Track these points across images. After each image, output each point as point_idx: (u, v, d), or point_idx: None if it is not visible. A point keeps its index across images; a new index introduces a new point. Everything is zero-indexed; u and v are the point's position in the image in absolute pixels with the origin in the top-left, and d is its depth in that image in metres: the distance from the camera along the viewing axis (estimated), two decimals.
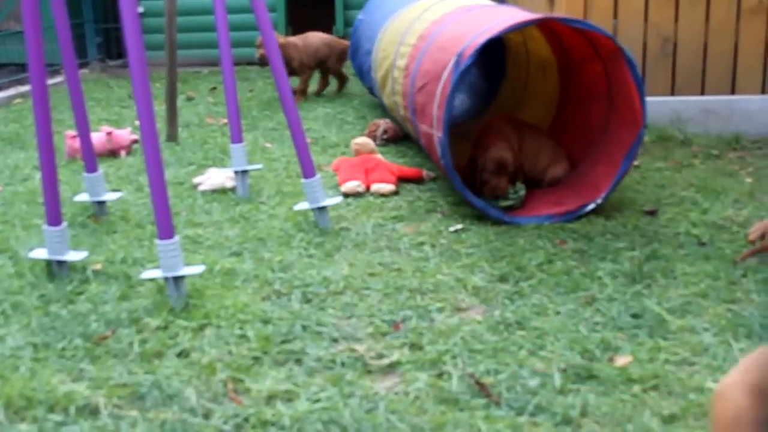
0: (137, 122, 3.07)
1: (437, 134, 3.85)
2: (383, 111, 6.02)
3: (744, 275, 3.14)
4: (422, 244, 3.55)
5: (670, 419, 2.22)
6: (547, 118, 4.69)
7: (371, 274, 3.23)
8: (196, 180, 4.52)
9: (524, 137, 4.27)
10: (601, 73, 4.08)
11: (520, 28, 3.94)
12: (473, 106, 5.68)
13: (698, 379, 2.41)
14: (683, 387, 2.37)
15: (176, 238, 2.97)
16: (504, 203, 3.98)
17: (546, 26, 4.39)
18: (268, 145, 5.29)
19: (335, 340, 2.70)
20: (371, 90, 6.25)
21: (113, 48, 9.08)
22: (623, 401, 2.31)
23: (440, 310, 2.91)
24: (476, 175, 4.08)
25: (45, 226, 3.27)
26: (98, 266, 3.32)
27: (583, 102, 4.38)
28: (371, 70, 5.71)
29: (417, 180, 4.48)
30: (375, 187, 4.27)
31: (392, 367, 2.53)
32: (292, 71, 6.58)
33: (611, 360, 2.52)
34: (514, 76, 5.39)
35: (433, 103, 3.89)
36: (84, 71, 8.55)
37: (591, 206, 3.83)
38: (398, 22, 5.18)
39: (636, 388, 2.37)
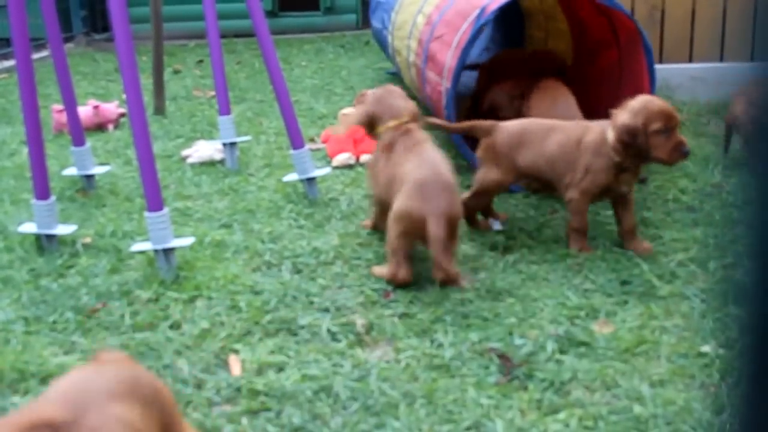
0: (124, 96, 3.05)
1: (445, 84, 3.85)
2: (371, 81, 6.00)
3: (734, 241, 3.16)
4: None
5: (659, 383, 2.24)
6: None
7: (361, 244, 3.24)
8: (184, 153, 4.50)
9: None
10: (614, 63, 4.04)
11: None
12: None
13: (687, 344, 2.43)
14: (672, 352, 2.39)
15: (165, 210, 2.97)
16: None
17: (568, 12, 4.35)
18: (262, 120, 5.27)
19: (326, 310, 2.71)
20: (377, 32, 6.10)
21: (99, 21, 8.98)
22: (612, 366, 2.33)
23: (431, 278, 2.92)
24: None
25: (33, 201, 3.26)
26: (88, 240, 3.31)
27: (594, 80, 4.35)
28: (392, 9, 5.61)
29: None
30: (365, 157, 4.26)
31: (383, 336, 2.54)
32: None
33: (601, 326, 2.55)
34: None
35: (447, 53, 3.88)
36: (69, 45, 8.46)
37: None
38: None
39: (625, 354, 2.39)
